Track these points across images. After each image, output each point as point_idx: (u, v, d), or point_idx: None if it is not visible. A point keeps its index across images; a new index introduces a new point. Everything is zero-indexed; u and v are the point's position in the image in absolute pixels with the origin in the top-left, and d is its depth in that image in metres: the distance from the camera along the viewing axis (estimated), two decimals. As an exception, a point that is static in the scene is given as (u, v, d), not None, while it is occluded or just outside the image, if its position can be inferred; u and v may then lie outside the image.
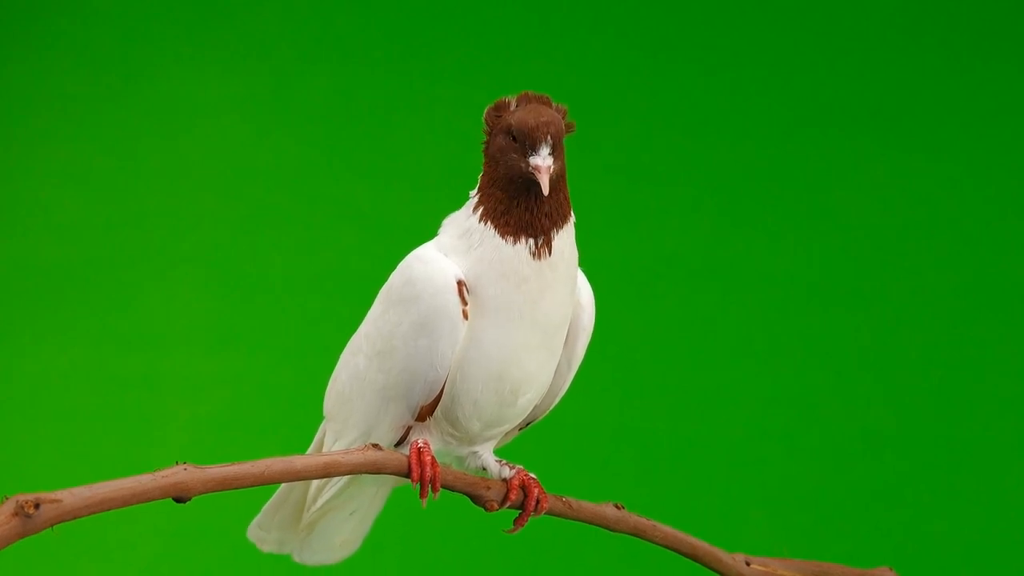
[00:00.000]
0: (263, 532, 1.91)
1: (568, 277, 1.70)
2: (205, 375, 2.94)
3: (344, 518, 1.89)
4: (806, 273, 3.02)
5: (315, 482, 1.82)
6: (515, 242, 1.66)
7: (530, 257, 1.66)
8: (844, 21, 3.11)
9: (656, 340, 3.00)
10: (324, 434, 1.84)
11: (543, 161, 1.64)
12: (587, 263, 1.79)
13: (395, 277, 1.73)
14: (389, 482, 1.85)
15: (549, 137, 1.65)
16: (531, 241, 1.66)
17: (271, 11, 3.09)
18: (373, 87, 3.08)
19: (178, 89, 3.05)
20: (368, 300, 1.78)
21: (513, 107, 1.69)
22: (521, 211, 1.66)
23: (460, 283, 1.67)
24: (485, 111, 1.71)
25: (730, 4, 3.12)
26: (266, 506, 1.90)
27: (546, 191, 1.63)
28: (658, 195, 3.05)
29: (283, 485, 1.88)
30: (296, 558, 1.93)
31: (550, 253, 1.67)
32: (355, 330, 1.80)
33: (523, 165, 1.65)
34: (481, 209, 1.68)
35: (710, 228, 3.03)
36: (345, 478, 1.78)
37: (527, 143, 1.64)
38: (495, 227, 1.67)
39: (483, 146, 1.70)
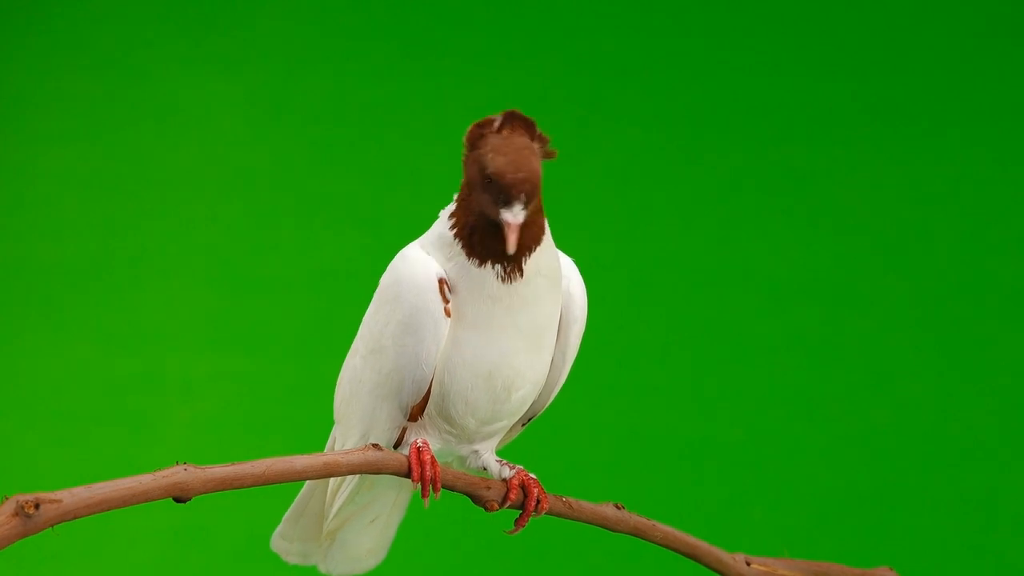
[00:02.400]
0: (286, 543, 1.90)
1: (548, 288, 1.69)
2: (205, 375, 2.94)
3: (365, 526, 1.88)
4: (806, 273, 3.01)
5: (331, 488, 1.82)
6: (481, 265, 1.65)
7: (498, 281, 1.65)
8: (845, 21, 3.11)
9: (656, 340, 3.00)
10: (334, 440, 1.84)
11: (514, 218, 1.60)
12: (587, 263, 1.79)
13: (384, 277, 1.73)
14: (408, 487, 1.85)
15: (524, 195, 1.60)
16: (499, 267, 1.64)
17: (271, 12, 3.09)
18: (373, 87, 3.08)
19: (178, 89, 3.05)
20: (368, 300, 1.78)
21: (496, 127, 1.64)
22: (489, 239, 1.64)
23: (441, 281, 1.67)
24: (468, 129, 1.66)
25: (730, 4, 3.11)
26: (286, 515, 1.89)
27: (511, 249, 1.60)
28: (659, 194, 3.05)
29: (300, 493, 1.88)
30: (322, 569, 1.91)
31: (521, 275, 1.65)
32: (355, 330, 1.80)
33: (493, 212, 1.61)
34: (453, 220, 1.67)
35: (710, 228, 3.03)
36: (355, 482, 1.78)
37: (501, 196, 1.61)
38: (463, 246, 1.65)
39: (462, 159, 1.67)
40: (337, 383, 1.82)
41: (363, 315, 1.79)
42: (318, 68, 3.08)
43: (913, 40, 3.10)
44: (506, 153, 1.61)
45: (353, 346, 1.79)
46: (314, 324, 2.95)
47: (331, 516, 1.83)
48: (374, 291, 1.77)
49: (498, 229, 1.61)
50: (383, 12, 3.11)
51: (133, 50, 3.07)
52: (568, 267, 1.76)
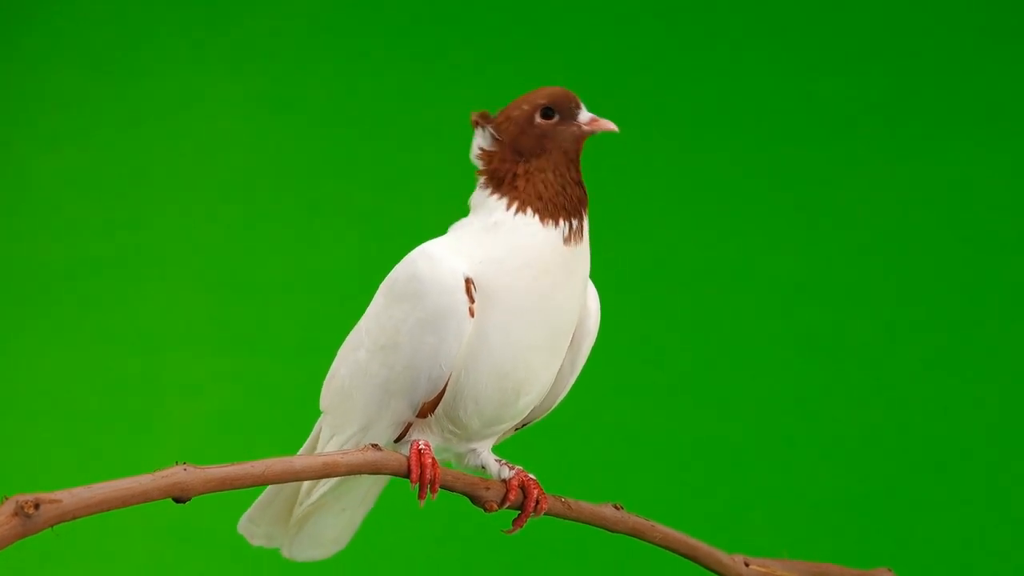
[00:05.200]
0: (253, 526, 1.91)
1: (584, 271, 1.73)
2: (205, 375, 2.94)
3: (335, 514, 1.90)
4: (806, 273, 3.01)
5: (307, 480, 1.82)
6: (556, 225, 1.69)
7: (562, 243, 1.69)
8: (846, 21, 3.11)
9: (656, 341, 3.00)
10: (320, 430, 1.85)
11: (590, 112, 1.74)
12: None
13: (399, 272, 1.73)
14: (382, 479, 1.85)
15: (578, 97, 1.75)
16: (568, 223, 1.70)
17: (272, 12, 3.09)
18: (373, 87, 3.08)
19: (178, 89, 3.05)
20: (367, 300, 1.78)
21: (500, 113, 1.75)
22: (572, 188, 1.71)
23: (468, 281, 1.67)
24: (490, 123, 1.74)
25: (731, 4, 3.12)
26: (258, 500, 1.90)
27: (616, 126, 1.73)
28: (658, 197, 3.05)
29: None
30: (285, 553, 1.93)
31: (581, 238, 1.70)
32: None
33: (576, 129, 1.73)
34: (517, 203, 1.70)
35: (709, 230, 3.03)
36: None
37: (572, 106, 1.73)
38: (537, 213, 1.69)
39: (504, 150, 1.73)
40: (328, 375, 1.81)
41: (362, 315, 1.78)
42: (318, 68, 3.09)
43: (914, 40, 3.10)
44: (542, 90, 1.76)
45: (354, 339, 1.78)
46: (314, 324, 2.95)
47: (306, 503, 1.83)
48: (374, 291, 1.77)
49: (576, 160, 1.73)
50: (383, 12, 3.11)
51: (133, 50, 3.07)
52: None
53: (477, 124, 1.75)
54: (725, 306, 3.00)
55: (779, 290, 3.01)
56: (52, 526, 1.48)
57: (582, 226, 1.71)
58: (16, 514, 1.46)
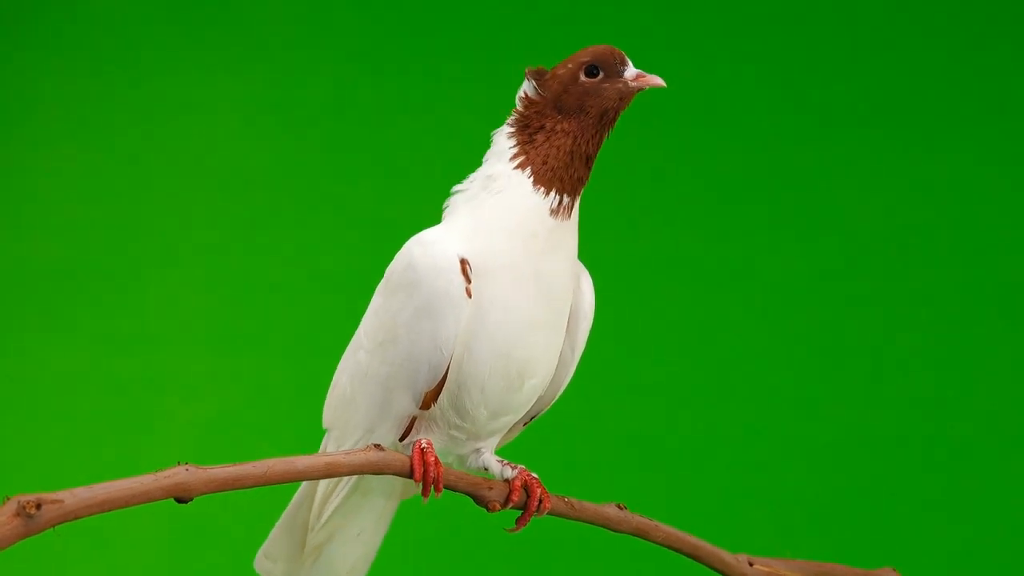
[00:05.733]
0: (270, 563, 1.90)
1: (571, 249, 1.73)
2: (207, 375, 2.94)
3: (350, 540, 1.88)
4: (807, 273, 3.01)
5: (319, 497, 1.82)
6: (546, 194, 1.69)
7: (548, 213, 1.69)
8: (846, 22, 3.11)
9: (659, 340, 3.00)
10: (325, 447, 1.84)
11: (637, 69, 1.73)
12: (591, 262, 1.79)
13: (394, 265, 1.73)
14: (395, 497, 1.85)
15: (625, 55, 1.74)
16: (558, 198, 1.69)
17: (272, 12, 3.09)
18: (373, 87, 3.08)
19: (178, 89, 3.05)
20: (367, 300, 1.78)
21: (548, 72, 1.75)
22: (579, 166, 1.71)
23: (463, 262, 1.67)
24: (538, 79, 1.74)
25: (731, 4, 3.12)
26: (272, 533, 1.89)
27: (664, 81, 1.71)
28: (661, 193, 3.05)
29: (287, 509, 1.87)
30: None
31: (569, 215, 1.70)
32: (355, 329, 1.79)
33: (622, 85, 1.72)
34: (522, 158, 1.71)
35: (712, 228, 3.03)
36: (348, 487, 1.77)
37: (616, 63, 1.72)
38: (533, 175, 1.70)
39: (546, 105, 1.73)
40: (330, 390, 1.81)
41: (363, 315, 1.78)
42: (318, 68, 3.08)
43: (913, 41, 3.10)
44: (587, 50, 1.74)
45: (353, 344, 1.78)
46: (314, 324, 2.95)
47: (319, 527, 1.82)
48: (374, 290, 1.76)
49: (607, 128, 1.72)
50: (383, 12, 3.11)
51: (133, 50, 3.07)
52: (579, 266, 1.77)
53: (528, 76, 1.75)
54: (729, 306, 3.00)
55: (782, 289, 3.01)
56: (54, 526, 1.48)
57: (572, 204, 1.71)
58: (18, 514, 1.46)
